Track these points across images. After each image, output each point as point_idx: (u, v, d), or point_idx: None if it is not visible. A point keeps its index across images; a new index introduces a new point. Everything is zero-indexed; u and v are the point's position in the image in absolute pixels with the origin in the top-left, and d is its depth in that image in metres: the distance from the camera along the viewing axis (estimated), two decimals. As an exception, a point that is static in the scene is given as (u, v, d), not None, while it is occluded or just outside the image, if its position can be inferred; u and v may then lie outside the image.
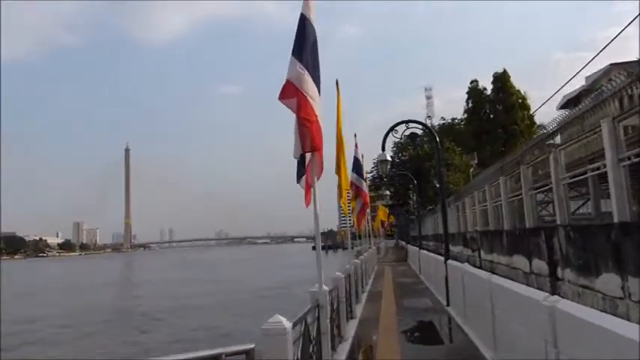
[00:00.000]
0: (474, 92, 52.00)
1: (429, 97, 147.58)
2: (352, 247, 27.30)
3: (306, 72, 6.06)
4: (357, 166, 14.85)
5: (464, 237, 23.86)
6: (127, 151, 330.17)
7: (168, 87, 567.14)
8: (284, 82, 5.98)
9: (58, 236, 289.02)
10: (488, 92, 51.06)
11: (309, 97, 6.04)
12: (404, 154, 75.25)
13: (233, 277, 49.50)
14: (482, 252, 17.78)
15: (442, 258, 13.90)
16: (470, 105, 52.69)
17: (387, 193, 23.22)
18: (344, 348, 8.12)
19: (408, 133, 11.75)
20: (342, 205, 10.07)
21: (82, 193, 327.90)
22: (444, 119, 68.00)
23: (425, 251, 20.75)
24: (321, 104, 6.34)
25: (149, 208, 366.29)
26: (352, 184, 14.46)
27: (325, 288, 6.30)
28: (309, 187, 6.42)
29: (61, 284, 55.15)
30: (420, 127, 12.18)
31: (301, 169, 6.31)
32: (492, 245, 15.70)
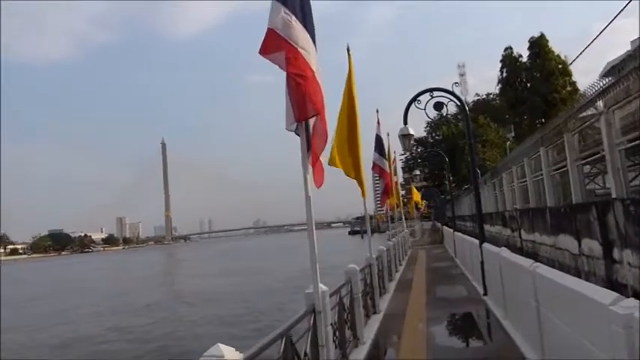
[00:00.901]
0: (509, 60, 47.24)
1: (462, 75, 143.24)
2: (385, 231, 26.28)
3: (294, 18, 4.74)
4: (379, 145, 13.56)
5: (502, 216, 22.24)
6: (163, 145, 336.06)
7: (201, 79, 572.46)
8: (265, 32, 4.63)
9: (102, 232, 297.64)
10: (524, 60, 46.57)
11: (299, 49, 4.75)
12: (437, 133, 73.24)
13: (265, 265, 49.10)
14: (522, 232, 16.29)
15: (477, 241, 12.52)
16: (504, 74, 48.05)
17: (417, 173, 21.72)
18: (360, 353, 6.94)
19: (433, 102, 10.31)
20: (360, 187, 8.81)
21: (124, 188, 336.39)
22: (478, 95, 65.53)
23: (459, 233, 19.28)
24: (317, 61, 5.06)
25: (189, 200, 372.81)
26: (375, 164, 13.21)
27: (324, 288, 5.00)
28: (318, 164, 5.10)
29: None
30: (447, 95, 10.69)
31: (305, 143, 4.89)
32: (534, 224, 14.27)
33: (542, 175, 13.39)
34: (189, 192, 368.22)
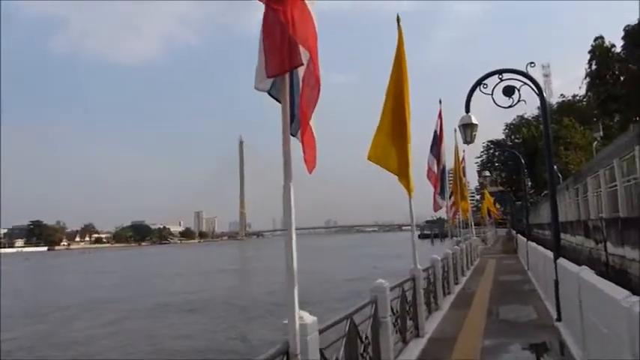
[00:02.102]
0: (599, 50, 41.05)
1: (546, 75, 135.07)
2: (452, 237, 24.28)
3: None
4: (435, 144, 11.90)
5: (585, 225, 19.60)
6: (240, 143, 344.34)
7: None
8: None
9: (180, 225, 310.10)
10: (617, 50, 40.25)
11: None
12: (517, 136, 69.06)
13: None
14: (608, 244, 13.95)
15: (551, 254, 10.54)
16: (593, 67, 41.66)
17: (487, 174, 19.53)
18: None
19: (502, 86, 8.43)
20: (405, 184, 7.26)
21: (204, 183, 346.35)
22: (564, 96, 60.78)
23: (533, 243, 16.99)
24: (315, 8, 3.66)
25: (263, 198, 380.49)
26: (428, 166, 11.57)
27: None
28: (308, 134, 3.69)
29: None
30: (520, 78, 8.72)
31: (288, 110, 3.48)
32: (624, 236, 12.06)
33: (636, 178, 11.18)
34: (265, 190, 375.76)
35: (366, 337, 5.16)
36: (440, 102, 12.82)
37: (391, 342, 6.08)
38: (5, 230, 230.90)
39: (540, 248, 12.88)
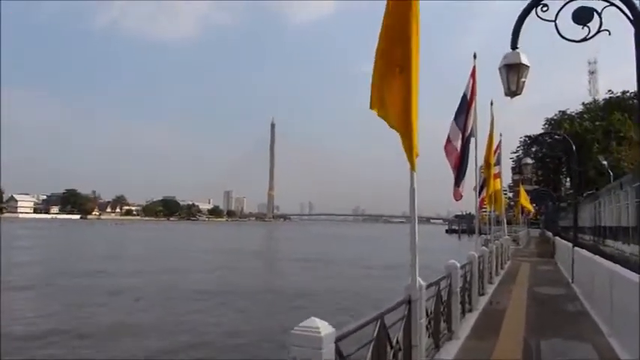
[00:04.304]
0: None
1: (592, 72, 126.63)
2: (480, 234, 21.07)
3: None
4: (462, 111, 8.83)
5: (648, 233, 16.17)
6: (272, 126, 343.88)
7: (314, 66, 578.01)
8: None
9: (209, 202, 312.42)
10: None
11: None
12: (558, 133, 64.31)
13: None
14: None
15: (623, 271, 7.44)
16: None
17: (529, 162, 16.38)
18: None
19: (574, 8, 5.36)
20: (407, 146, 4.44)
21: (235, 164, 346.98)
22: (612, 92, 55.98)
23: (583, 251, 13.70)
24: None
25: (293, 181, 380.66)
26: (447, 138, 8.53)
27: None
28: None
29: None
30: None
31: None
32: None
33: None
34: (295, 173, 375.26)
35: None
36: (474, 57, 9.72)
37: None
38: (45, 197, 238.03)
39: (599, 259, 9.67)
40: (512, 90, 5.73)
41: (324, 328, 2.80)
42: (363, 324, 3.49)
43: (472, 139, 10.02)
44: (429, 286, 5.39)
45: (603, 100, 59.04)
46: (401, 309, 4.49)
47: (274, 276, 33.99)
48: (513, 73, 5.69)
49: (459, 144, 8.77)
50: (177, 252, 50.79)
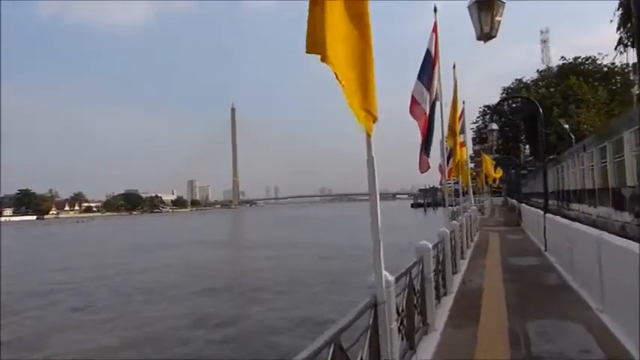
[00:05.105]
0: None
1: (544, 41, 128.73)
2: (451, 205, 20.39)
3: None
4: (426, 68, 7.80)
5: (616, 194, 15.75)
6: (232, 110, 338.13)
7: (272, 49, 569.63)
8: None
9: (173, 193, 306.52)
10: None
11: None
12: (515, 101, 64.96)
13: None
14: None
15: (600, 234, 6.69)
16: None
17: (494, 126, 15.69)
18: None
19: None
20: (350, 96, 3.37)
21: (198, 152, 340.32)
22: (565, 58, 56.49)
23: (557, 217, 13.04)
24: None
25: (257, 166, 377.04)
26: (412, 99, 7.50)
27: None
28: None
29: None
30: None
31: None
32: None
33: None
34: (257, 158, 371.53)
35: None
36: (435, 10, 8.68)
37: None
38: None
39: (580, 226, 8.87)
40: (486, 32, 4.72)
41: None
42: (310, 355, 2.50)
43: (437, 103, 9.04)
44: (398, 278, 4.36)
45: (557, 66, 59.75)
46: (365, 316, 3.47)
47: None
48: (486, 12, 4.67)
49: (427, 107, 7.74)
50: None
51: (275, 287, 22.45)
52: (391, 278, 3.71)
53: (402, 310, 4.46)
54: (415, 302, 5.11)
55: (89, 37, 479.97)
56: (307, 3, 3.41)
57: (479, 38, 4.85)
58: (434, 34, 8.57)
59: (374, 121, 3.66)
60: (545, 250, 13.48)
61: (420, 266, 5.66)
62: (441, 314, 6.95)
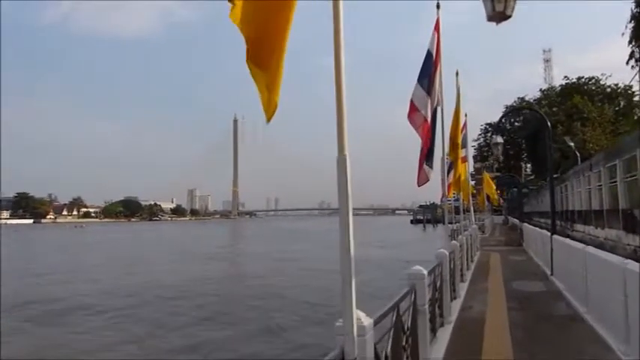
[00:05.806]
0: None
1: (547, 60, 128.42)
2: (451, 223, 19.34)
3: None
4: (427, 70, 6.91)
5: (627, 216, 14.79)
6: (235, 121, 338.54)
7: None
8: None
9: (172, 202, 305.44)
10: None
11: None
12: (517, 119, 64.26)
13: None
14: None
15: (625, 264, 5.75)
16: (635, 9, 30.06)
17: (499, 140, 14.65)
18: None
19: None
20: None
21: (199, 162, 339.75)
22: (568, 78, 55.98)
23: (567, 240, 12.03)
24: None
25: (258, 178, 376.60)
26: (411, 104, 6.60)
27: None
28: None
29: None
30: None
31: None
32: None
33: None
34: (260, 170, 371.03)
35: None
36: (438, 6, 7.81)
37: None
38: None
39: (599, 252, 7.89)
40: (499, 11, 3.83)
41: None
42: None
43: (438, 110, 8.13)
44: (380, 318, 3.40)
45: (560, 86, 59.37)
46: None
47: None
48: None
49: (429, 113, 6.84)
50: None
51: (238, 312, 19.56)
52: (368, 322, 2.76)
53: (386, 358, 3.48)
54: (404, 343, 4.12)
55: (91, 43, 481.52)
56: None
57: (490, 19, 3.98)
58: (435, 33, 7.69)
59: (274, 108, 2.89)
60: (552, 274, 12.49)
61: (412, 297, 4.70)
62: (437, 350, 5.97)
